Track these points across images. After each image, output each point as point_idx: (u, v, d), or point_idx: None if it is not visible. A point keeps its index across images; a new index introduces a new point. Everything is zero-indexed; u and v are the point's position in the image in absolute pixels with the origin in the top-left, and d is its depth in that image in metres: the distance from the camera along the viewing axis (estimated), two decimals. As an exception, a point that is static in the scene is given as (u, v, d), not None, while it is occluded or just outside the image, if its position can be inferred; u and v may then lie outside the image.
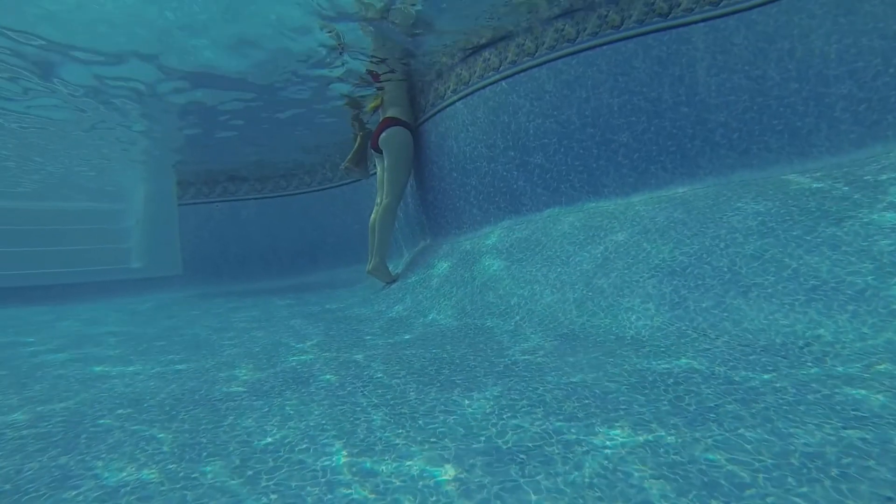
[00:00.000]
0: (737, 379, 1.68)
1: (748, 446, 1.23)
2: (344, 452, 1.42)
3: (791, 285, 2.21)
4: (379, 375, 2.22)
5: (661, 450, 1.26)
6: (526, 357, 2.33)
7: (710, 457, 1.20)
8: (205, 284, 8.44)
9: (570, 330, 2.77)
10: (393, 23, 3.95)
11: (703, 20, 3.55)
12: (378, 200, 5.30)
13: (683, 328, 2.33)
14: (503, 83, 4.34)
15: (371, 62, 4.71)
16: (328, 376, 2.27)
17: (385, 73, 4.96)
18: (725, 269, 2.52)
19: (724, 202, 3.09)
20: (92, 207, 10.04)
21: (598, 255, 3.29)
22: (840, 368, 1.67)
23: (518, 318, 3.17)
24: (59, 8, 3.50)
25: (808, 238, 2.43)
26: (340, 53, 4.44)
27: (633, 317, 2.63)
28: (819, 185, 2.82)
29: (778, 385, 1.60)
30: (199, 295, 7.42)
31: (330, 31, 4.06)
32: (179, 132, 6.20)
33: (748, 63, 3.45)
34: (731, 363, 1.83)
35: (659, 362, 1.97)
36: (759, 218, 2.73)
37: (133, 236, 9.88)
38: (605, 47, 3.81)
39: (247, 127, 6.20)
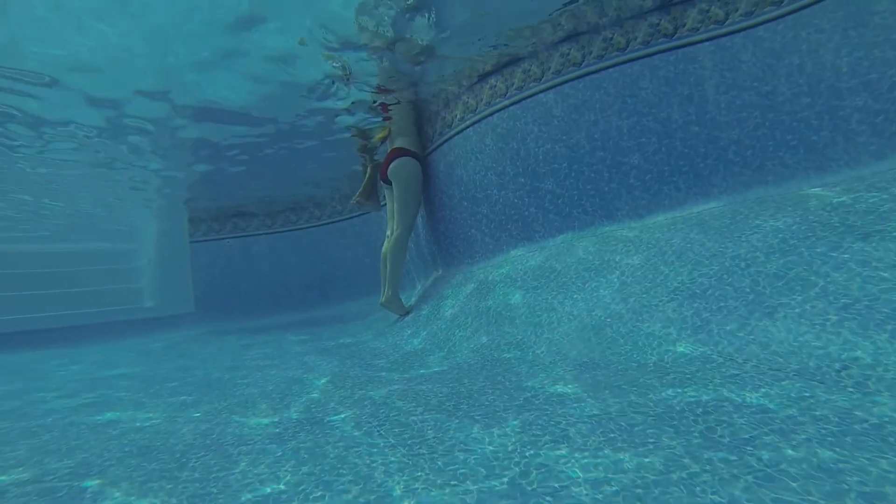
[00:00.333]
0: (771, 407, 1.59)
1: (794, 484, 1.15)
2: (361, 501, 1.35)
3: (820, 304, 2.12)
4: (395, 413, 2.14)
5: (698, 489, 1.18)
6: (546, 389, 2.25)
7: (752, 497, 1.12)
8: (217, 321, 8.42)
9: (590, 358, 2.68)
10: (398, 53, 3.98)
11: (709, 39, 3.53)
12: (389, 232, 5.28)
13: (708, 353, 2.24)
14: (511, 109, 4.33)
15: (377, 92, 4.73)
16: (343, 415, 2.20)
17: (392, 104, 4.99)
18: (748, 290, 2.44)
19: (741, 221, 3.02)
20: (104, 248, 10.15)
21: (615, 280, 3.22)
22: (886, 393, 1.58)
23: (535, 348, 3.09)
24: (67, 52, 3.57)
25: (834, 254, 2.35)
26: (346, 84, 4.47)
27: (655, 342, 2.54)
28: (841, 199, 2.75)
29: (818, 413, 1.51)
30: (211, 332, 7.40)
31: (336, 63, 4.10)
32: (189, 168, 6.26)
33: (757, 79, 3.41)
34: (764, 389, 1.74)
35: (685, 390, 1.88)
36: (780, 235, 2.66)
37: (145, 275, 9.93)
38: (611, 70, 3.79)
39: (254, 161, 6.25)
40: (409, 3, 3.42)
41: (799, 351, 1.97)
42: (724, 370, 2.01)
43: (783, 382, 1.77)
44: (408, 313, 4.86)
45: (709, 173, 3.55)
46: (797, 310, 2.16)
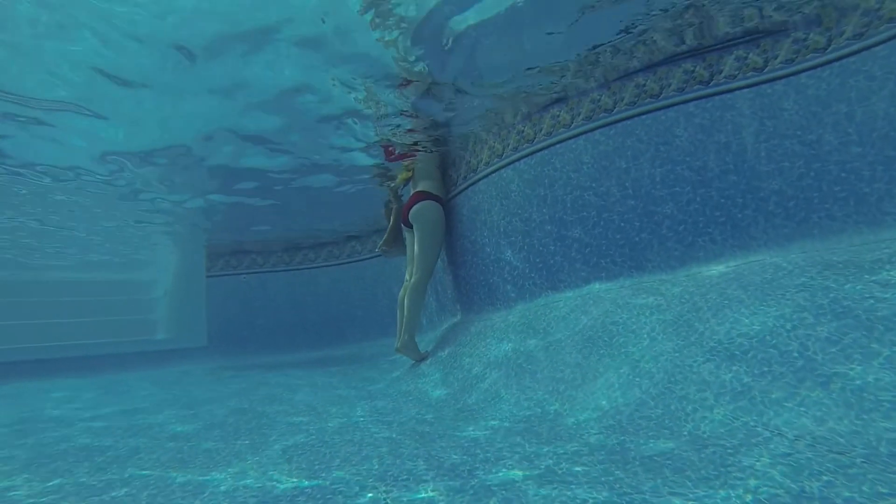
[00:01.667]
0: (838, 503, 1.33)
1: None
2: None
3: (887, 377, 1.86)
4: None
5: None
6: (567, 456, 2.01)
7: None
8: (228, 356, 8.28)
9: (617, 421, 2.43)
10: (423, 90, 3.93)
11: (748, 86, 3.37)
12: (407, 276, 5.14)
13: (751, 424, 1.98)
14: (538, 155, 4.20)
15: (400, 133, 4.69)
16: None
17: (414, 145, 4.94)
18: (796, 355, 2.19)
19: (784, 277, 2.77)
20: (121, 279, 10.22)
21: (644, 335, 2.98)
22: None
23: (557, 405, 2.85)
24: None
25: (898, 319, 2.09)
26: (378, 120, 4.44)
27: (689, 407, 2.29)
28: (901, 258, 2.49)
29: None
30: (221, 368, 7.26)
31: (367, 101, 4.07)
32: (207, 197, 6.26)
33: (800, 128, 3.22)
34: (826, 478, 1.47)
35: (729, 470, 1.63)
36: (831, 295, 2.41)
37: (160, 307, 9.93)
38: (644, 116, 3.65)
39: (273, 194, 6.24)
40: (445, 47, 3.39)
41: (864, 431, 1.70)
42: (772, 446, 1.75)
43: (850, 471, 1.50)
44: (424, 359, 4.67)
45: (747, 225, 3.32)
46: (857, 382, 1.89)
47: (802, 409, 1.91)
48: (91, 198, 5.87)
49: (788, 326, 2.34)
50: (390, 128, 4.59)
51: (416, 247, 4.90)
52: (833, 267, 2.66)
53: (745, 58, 3.41)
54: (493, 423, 2.78)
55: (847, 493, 1.37)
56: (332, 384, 4.81)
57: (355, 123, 4.49)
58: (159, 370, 7.45)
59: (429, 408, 3.36)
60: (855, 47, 3.11)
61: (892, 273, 2.41)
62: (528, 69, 3.69)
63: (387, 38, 3.32)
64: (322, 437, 2.75)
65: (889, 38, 3.01)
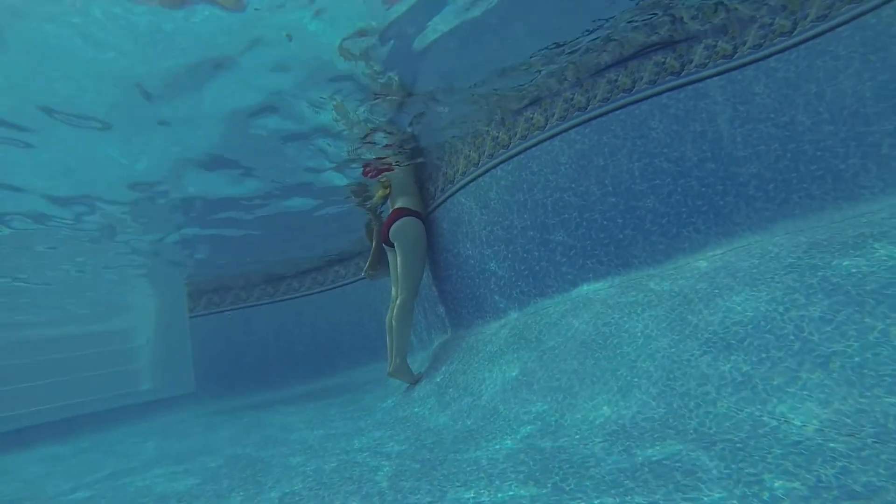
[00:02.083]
0: (857, 489, 1.27)
1: None
2: None
3: (885, 351, 1.81)
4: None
5: None
6: (573, 470, 1.94)
7: None
8: (219, 400, 8.03)
9: (621, 426, 2.37)
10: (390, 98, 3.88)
11: (719, 73, 3.38)
12: (393, 296, 5.04)
13: (756, 414, 1.93)
14: (515, 160, 4.16)
15: (376, 149, 4.64)
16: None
17: (389, 158, 4.89)
18: (792, 338, 2.14)
19: (771, 260, 2.74)
20: (98, 330, 9.94)
21: (638, 333, 2.93)
22: None
23: (557, 416, 2.78)
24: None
25: (890, 292, 2.06)
26: (351, 137, 4.36)
27: (692, 403, 2.23)
28: (883, 230, 2.47)
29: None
30: (212, 413, 7.03)
31: (338, 118, 4.01)
32: (181, 232, 6.12)
33: (773, 111, 3.22)
34: (841, 463, 1.42)
35: (741, 466, 1.57)
36: (819, 273, 2.38)
37: (142, 356, 9.66)
38: (618, 112, 3.63)
39: (250, 224, 6.14)
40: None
41: (870, 409, 1.65)
42: (782, 436, 1.69)
43: (863, 453, 1.45)
44: (418, 381, 4.57)
45: (730, 211, 3.30)
46: (856, 359, 1.85)
47: (805, 392, 1.87)
48: (58, 244, 5.70)
49: (781, 310, 2.30)
50: (364, 144, 4.52)
51: (399, 265, 4.81)
52: (818, 245, 2.64)
53: (715, 46, 3.41)
54: (493, 442, 2.70)
55: (864, 478, 1.31)
56: (328, 418, 4.69)
57: (328, 144, 4.42)
58: (147, 423, 7.17)
59: (427, 433, 3.26)
60: (819, 29, 3.13)
61: (875, 246, 2.39)
62: (500, 70, 3.65)
63: (353, 51, 3.28)
64: (320, 478, 2.64)
65: (851, 19, 3.05)
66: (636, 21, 3.30)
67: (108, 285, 7.88)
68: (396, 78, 3.62)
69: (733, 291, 2.66)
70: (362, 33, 3.12)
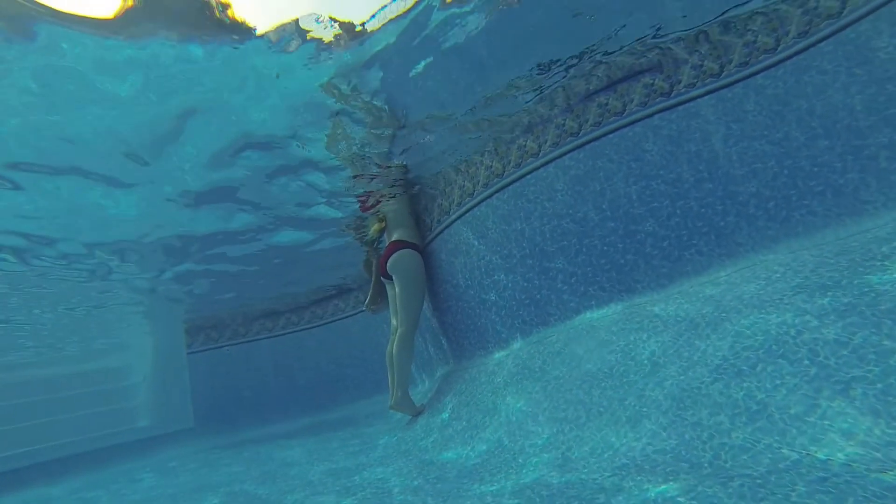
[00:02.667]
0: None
1: None
2: None
3: (909, 376, 1.73)
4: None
5: None
6: (582, 510, 1.83)
7: None
8: (218, 435, 7.80)
9: (631, 459, 2.26)
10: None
11: (708, 92, 3.36)
12: (393, 329, 4.96)
13: (775, 446, 1.83)
14: (510, 188, 4.12)
15: (370, 182, 4.60)
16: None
17: (383, 190, 4.86)
18: (807, 362, 2.05)
19: (778, 280, 2.67)
20: (93, 368, 9.78)
21: (645, 360, 2.83)
22: None
23: (564, 448, 2.68)
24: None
25: (906, 311, 1.98)
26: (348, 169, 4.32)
27: (705, 434, 2.13)
28: (893, 246, 2.40)
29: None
30: (211, 448, 6.85)
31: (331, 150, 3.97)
32: (175, 269, 6.05)
33: (766, 128, 3.19)
34: None
35: (760, 504, 1.47)
36: (829, 293, 2.30)
37: (140, 393, 9.49)
38: (611, 135, 3.60)
39: (244, 260, 6.07)
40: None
41: (899, 440, 1.55)
42: (805, 471, 1.59)
43: None
44: (420, 413, 4.47)
45: (731, 231, 3.24)
46: (878, 385, 1.76)
47: (826, 422, 1.77)
48: (52, 283, 5.62)
49: (793, 332, 2.21)
50: (357, 178, 4.49)
51: (398, 298, 4.74)
52: (825, 264, 2.56)
53: (701, 65, 3.40)
54: (499, 477, 2.59)
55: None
56: (329, 452, 4.55)
57: (320, 178, 4.38)
58: (144, 460, 6.98)
59: (431, 467, 3.15)
60: (802, 45, 3.13)
61: (885, 263, 2.32)
62: (487, 98, 3.63)
63: (341, 88, 3.27)
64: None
65: (831, 34, 3.05)
66: (625, 47, 3.30)
67: (104, 324, 7.77)
68: (386, 108, 3.60)
69: (741, 315, 2.57)
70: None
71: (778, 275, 2.70)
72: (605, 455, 2.41)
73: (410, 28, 2.92)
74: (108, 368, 9.98)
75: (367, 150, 4.05)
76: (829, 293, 2.30)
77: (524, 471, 2.61)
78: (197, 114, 3.25)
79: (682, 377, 2.52)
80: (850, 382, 1.84)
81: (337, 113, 3.54)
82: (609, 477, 2.18)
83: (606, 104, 3.64)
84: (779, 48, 3.18)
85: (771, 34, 3.21)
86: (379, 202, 5.10)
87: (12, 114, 2.91)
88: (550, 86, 3.56)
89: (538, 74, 3.44)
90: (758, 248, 3.13)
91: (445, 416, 4.00)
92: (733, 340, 2.47)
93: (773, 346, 2.23)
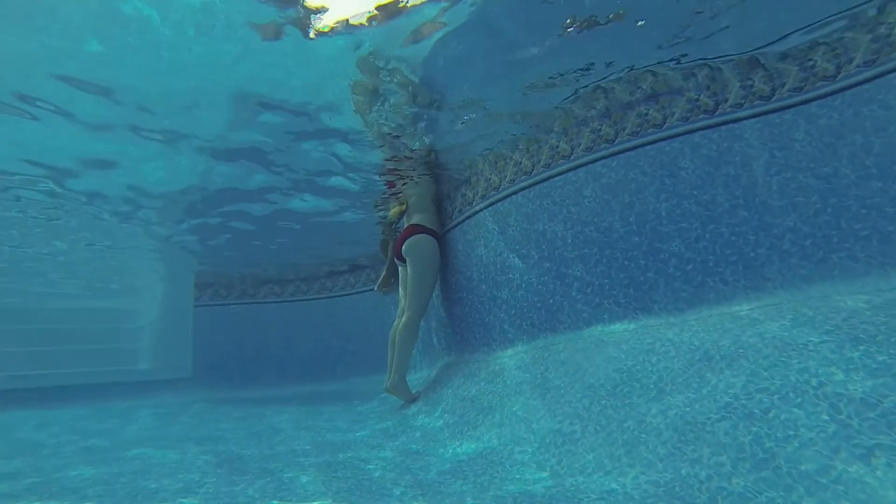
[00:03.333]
0: None
1: None
2: None
3: (941, 452, 1.59)
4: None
5: None
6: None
7: None
8: (213, 389, 7.83)
9: (621, 485, 2.17)
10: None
11: (755, 115, 3.18)
12: (400, 312, 4.89)
13: (778, 501, 1.71)
14: (537, 188, 3.99)
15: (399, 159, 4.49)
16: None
17: (408, 175, 4.74)
18: (826, 418, 1.92)
19: (806, 324, 2.52)
20: (104, 306, 9.91)
21: (651, 384, 2.72)
22: None
23: (554, 462, 2.59)
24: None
25: (945, 378, 1.83)
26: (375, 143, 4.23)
27: (703, 473, 2.02)
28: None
29: None
30: (203, 400, 6.93)
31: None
32: (193, 222, 6.06)
33: (814, 160, 3.01)
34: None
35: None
36: (861, 347, 2.15)
37: (144, 336, 9.60)
38: (647, 147, 3.45)
39: (264, 225, 6.05)
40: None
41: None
42: (807, 537, 1.48)
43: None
44: (415, 400, 4.44)
45: (761, 264, 3.08)
46: (905, 456, 1.63)
47: (840, 487, 1.64)
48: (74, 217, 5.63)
49: (815, 383, 2.07)
50: (385, 153, 4.38)
51: (409, 282, 4.67)
52: (860, 314, 2.41)
53: (751, 86, 3.22)
54: (482, 478, 2.51)
55: None
56: (318, 424, 4.53)
57: (345, 148, 4.28)
58: (139, 401, 7.00)
59: (416, 457, 3.09)
60: (866, 75, 2.90)
61: (927, 322, 2.17)
62: (526, 87, 3.48)
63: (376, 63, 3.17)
64: (293, 488, 2.48)
65: (902, 66, 2.83)
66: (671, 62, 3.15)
67: (119, 266, 7.82)
68: (423, 87, 3.47)
69: (760, 354, 2.44)
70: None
71: (806, 318, 2.55)
72: (595, 476, 2.32)
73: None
74: (118, 309, 10.12)
75: (397, 126, 3.93)
76: (862, 347, 2.15)
77: (509, 477, 2.53)
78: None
79: (687, 409, 2.40)
80: (874, 449, 1.70)
81: (374, 89, 3.43)
82: (595, 500, 2.08)
83: (646, 114, 3.49)
84: (839, 76, 2.98)
85: (832, 60, 3.02)
86: (404, 184, 5.00)
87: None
88: (588, 85, 3.40)
89: (582, 75, 3.30)
90: (787, 287, 2.97)
91: (439, 408, 3.93)
92: (748, 380, 2.34)
93: (791, 394, 2.09)
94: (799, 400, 2.05)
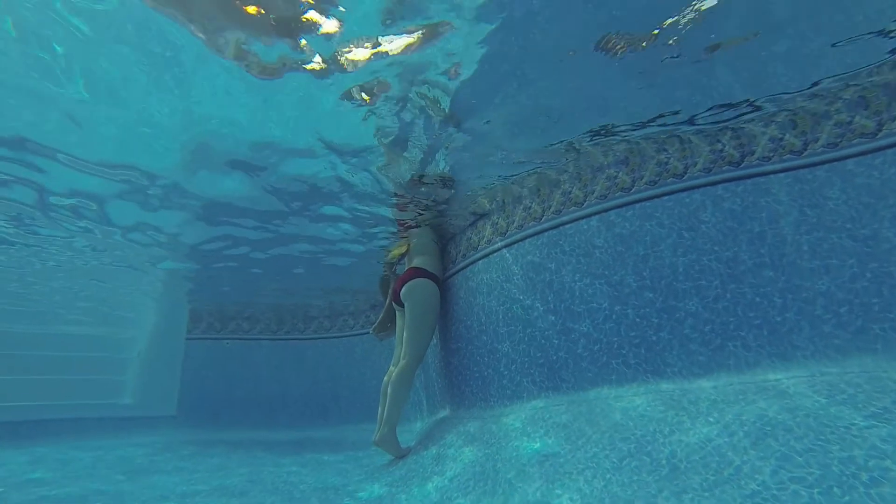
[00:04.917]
0: None
1: None
2: None
3: None
4: None
5: None
6: None
7: None
8: (197, 429, 7.39)
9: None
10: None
11: (785, 170, 2.95)
12: (394, 360, 4.58)
13: None
14: (546, 235, 3.74)
15: (397, 204, 4.29)
16: None
17: (411, 220, 4.54)
18: (881, 523, 1.59)
19: (845, 402, 2.20)
20: (93, 333, 9.61)
21: (663, 461, 2.39)
22: None
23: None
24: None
25: None
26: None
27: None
28: None
29: None
30: (182, 443, 6.43)
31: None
32: (196, 266, 5.84)
33: (850, 220, 2.75)
34: None
35: None
36: (917, 436, 1.83)
37: (131, 369, 9.23)
38: (665, 198, 3.21)
39: (264, 265, 5.85)
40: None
41: None
42: None
43: None
44: (403, 456, 4.06)
45: (788, 331, 2.78)
46: None
47: None
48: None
49: (864, 478, 1.75)
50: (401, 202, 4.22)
51: (406, 328, 4.38)
52: (909, 395, 2.09)
53: (781, 139, 3.01)
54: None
55: None
56: (301, 477, 4.15)
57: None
58: (115, 440, 6.62)
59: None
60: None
61: None
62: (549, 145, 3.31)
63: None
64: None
65: (955, 127, 2.60)
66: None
67: (115, 291, 7.59)
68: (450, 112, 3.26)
69: (792, 435, 2.11)
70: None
71: (845, 395, 2.23)
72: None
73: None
74: (107, 337, 9.81)
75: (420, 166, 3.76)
76: (916, 435, 1.83)
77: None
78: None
79: (705, 494, 2.07)
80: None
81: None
82: None
83: (666, 163, 3.27)
84: (880, 133, 2.76)
85: (872, 117, 2.80)
86: (412, 227, 4.79)
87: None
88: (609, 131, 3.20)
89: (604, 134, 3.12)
90: (819, 357, 2.66)
91: (429, 469, 3.58)
92: (778, 465, 2.01)
93: (835, 488, 1.76)
94: (844, 496, 1.71)
